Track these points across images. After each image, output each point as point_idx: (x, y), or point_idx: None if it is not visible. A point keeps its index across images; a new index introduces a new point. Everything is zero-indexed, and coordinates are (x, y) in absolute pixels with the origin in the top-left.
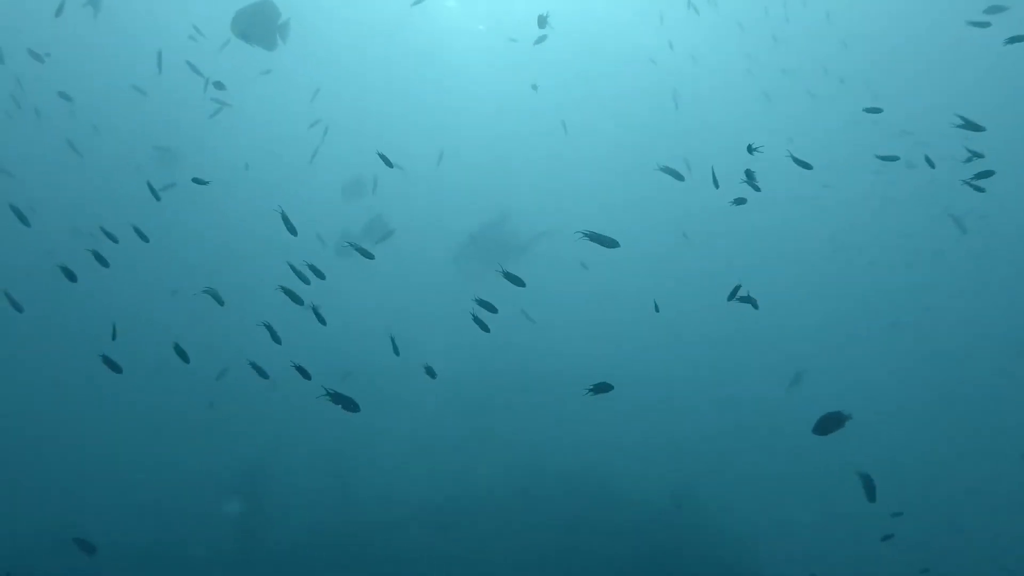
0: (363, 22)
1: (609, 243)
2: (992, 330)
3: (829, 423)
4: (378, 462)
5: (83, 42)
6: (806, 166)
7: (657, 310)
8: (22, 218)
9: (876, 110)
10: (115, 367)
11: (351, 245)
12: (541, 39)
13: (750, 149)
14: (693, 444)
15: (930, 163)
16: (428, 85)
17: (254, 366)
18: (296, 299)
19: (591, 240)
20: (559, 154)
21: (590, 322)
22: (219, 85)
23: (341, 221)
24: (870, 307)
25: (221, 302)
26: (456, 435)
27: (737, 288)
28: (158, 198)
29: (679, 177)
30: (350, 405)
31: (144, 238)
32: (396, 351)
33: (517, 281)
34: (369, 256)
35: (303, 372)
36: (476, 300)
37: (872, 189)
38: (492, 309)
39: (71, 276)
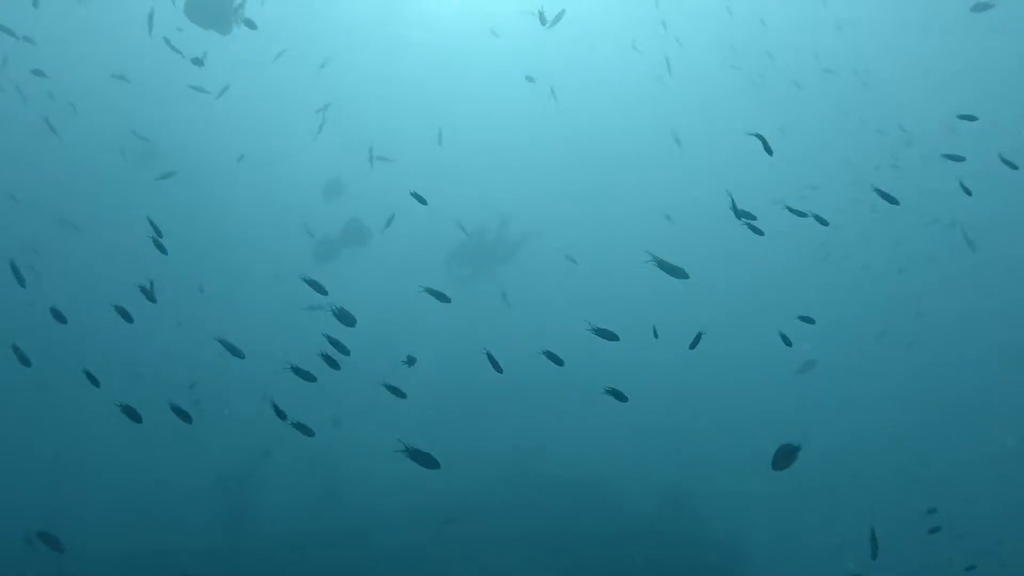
0: (345, 26)
1: (679, 274)
2: (986, 337)
3: (782, 458)
4: (368, 467)
5: (67, 28)
6: (892, 201)
7: (656, 336)
8: (20, 278)
9: (971, 118)
10: (135, 416)
11: (427, 291)
12: (558, 17)
13: (735, 209)
14: (687, 450)
15: (967, 191)
16: (415, 85)
17: (297, 428)
18: (343, 349)
19: (659, 267)
20: (550, 152)
21: (583, 326)
22: (198, 61)
23: (329, 218)
24: (862, 313)
25: (241, 355)
26: (448, 441)
27: (699, 336)
28: (161, 242)
29: (751, 217)
30: (429, 462)
31: (163, 250)
32: (401, 394)
33: (611, 336)
34: (446, 300)
35: (281, 414)
36: (592, 328)
37: (863, 192)
38: (613, 337)
39: (61, 319)
